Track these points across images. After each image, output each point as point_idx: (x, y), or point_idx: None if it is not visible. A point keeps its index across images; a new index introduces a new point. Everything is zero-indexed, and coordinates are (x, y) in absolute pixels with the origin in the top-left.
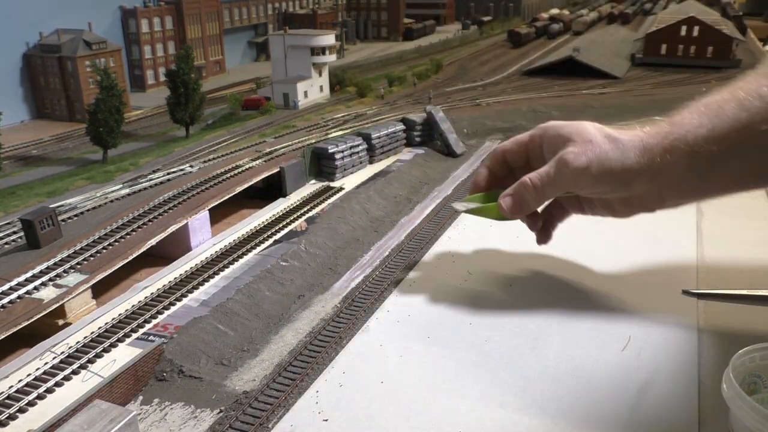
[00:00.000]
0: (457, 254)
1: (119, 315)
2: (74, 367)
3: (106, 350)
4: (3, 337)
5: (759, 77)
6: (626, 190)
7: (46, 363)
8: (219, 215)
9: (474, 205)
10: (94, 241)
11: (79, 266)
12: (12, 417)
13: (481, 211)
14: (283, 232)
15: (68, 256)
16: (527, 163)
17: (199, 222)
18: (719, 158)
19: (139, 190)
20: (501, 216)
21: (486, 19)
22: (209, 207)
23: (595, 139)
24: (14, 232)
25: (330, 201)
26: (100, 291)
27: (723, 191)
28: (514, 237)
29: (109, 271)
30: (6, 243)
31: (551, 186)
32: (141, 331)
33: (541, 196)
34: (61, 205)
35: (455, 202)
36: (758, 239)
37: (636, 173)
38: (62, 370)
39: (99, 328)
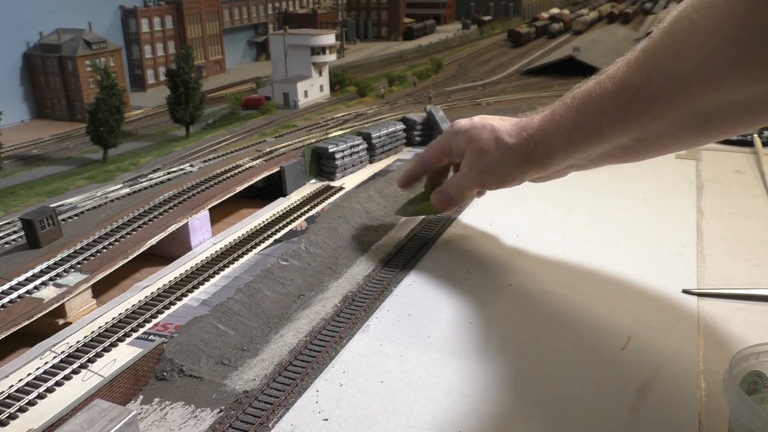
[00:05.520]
0: (457, 254)
1: (119, 314)
2: (74, 366)
3: (106, 349)
4: (3, 336)
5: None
6: (523, 180)
7: (46, 362)
8: (219, 215)
9: (414, 206)
10: (94, 241)
11: (79, 266)
12: (12, 416)
13: (421, 211)
14: (283, 232)
15: (68, 255)
16: (449, 160)
17: (199, 221)
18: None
19: (139, 190)
20: (436, 210)
21: (486, 18)
22: (209, 206)
23: (486, 146)
24: (14, 232)
25: (330, 200)
26: (101, 290)
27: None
28: (514, 237)
29: (110, 271)
30: (6, 243)
31: (466, 188)
32: (141, 330)
33: (462, 194)
34: (62, 205)
35: (398, 210)
36: (758, 239)
37: (523, 170)
38: (62, 369)
39: (99, 327)
